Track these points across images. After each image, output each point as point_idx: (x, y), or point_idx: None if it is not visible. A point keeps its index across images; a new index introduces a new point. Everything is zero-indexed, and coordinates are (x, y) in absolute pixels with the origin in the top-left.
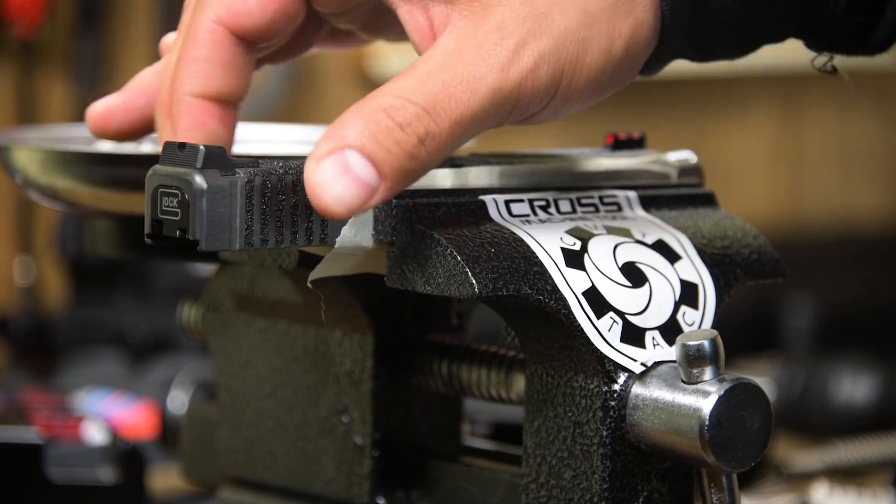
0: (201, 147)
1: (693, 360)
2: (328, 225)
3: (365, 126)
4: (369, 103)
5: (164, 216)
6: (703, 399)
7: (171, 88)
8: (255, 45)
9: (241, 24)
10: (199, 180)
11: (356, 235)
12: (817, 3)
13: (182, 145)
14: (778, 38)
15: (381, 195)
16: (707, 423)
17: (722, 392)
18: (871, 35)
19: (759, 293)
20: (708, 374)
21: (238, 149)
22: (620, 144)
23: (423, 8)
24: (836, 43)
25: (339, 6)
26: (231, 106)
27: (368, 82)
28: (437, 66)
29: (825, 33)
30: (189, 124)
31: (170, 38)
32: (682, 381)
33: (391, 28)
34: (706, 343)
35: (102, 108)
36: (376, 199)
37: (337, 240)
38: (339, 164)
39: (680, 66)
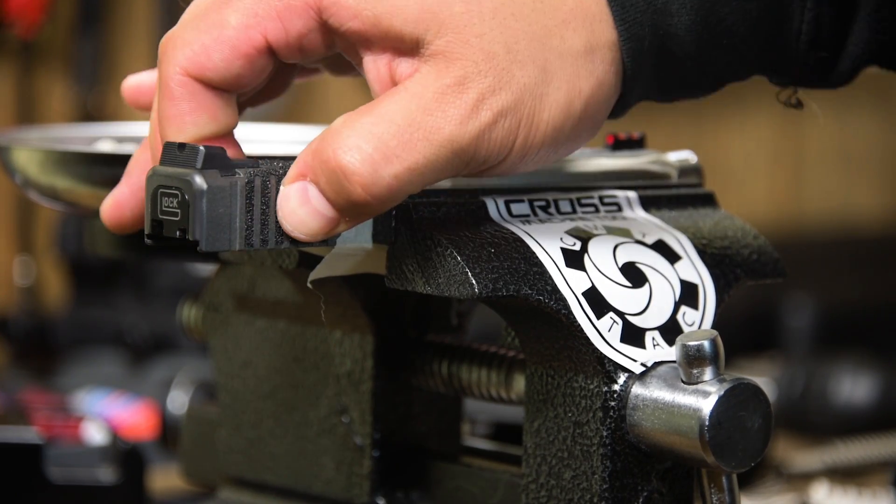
0: (201, 147)
1: (693, 360)
2: None
3: (319, 165)
4: (326, 139)
5: (164, 216)
6: (703, 399)
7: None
8: (229, 91)
9: (207, 77)
10: (199, 181)
11: (356, 236)
12: (780, 42)
13: (182, 146)
14: (742, 76)
15: (344, 226)
16: (707, 423)
17: (722, 392)
18: (833, 69)
19: (759, 293)
20: (708, 374)
21: None
22: (620, 144)
23: (388, 61)
24: (800, 78)
25: (306, 57)
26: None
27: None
28: (398, 108)
29: (788, 70)
30: None
31: (131, 80)
32: (682, 381)
33: (354, 70)
34: (706, 343)
35: (111, 201)
36: (339, 228)
37: (337, 240)
38: (301, 192)
39: None
